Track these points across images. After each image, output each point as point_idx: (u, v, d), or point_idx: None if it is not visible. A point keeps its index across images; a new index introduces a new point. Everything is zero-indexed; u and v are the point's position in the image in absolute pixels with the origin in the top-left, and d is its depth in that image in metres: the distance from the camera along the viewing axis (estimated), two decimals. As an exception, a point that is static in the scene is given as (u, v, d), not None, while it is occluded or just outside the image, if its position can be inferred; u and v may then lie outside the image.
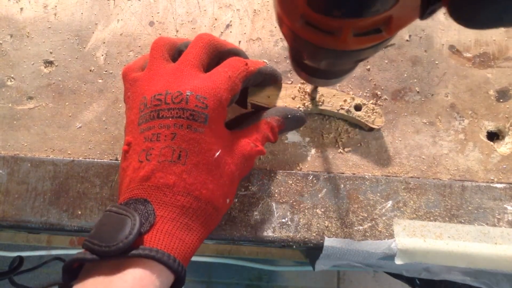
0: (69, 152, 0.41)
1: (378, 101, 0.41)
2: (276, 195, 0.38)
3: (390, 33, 0.19)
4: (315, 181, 0.39)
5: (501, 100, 0.41)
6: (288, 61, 0.42)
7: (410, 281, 0.59)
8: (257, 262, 0.89)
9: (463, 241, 0.37)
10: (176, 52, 0.36)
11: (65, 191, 0.39)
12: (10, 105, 0.43)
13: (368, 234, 0.37)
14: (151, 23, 0.44)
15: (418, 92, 0.41)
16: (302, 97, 0.39)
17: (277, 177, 0.39)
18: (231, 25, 0.44)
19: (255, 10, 0.44)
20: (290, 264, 1.10)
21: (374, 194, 0.38)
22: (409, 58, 0.42)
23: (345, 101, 0.39)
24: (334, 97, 0.39)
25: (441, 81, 0.41)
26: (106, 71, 0.43)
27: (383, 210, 0.38)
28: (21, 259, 0.45)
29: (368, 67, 0.42)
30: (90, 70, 0.43)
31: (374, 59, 0.42)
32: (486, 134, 0.40)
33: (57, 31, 0.44)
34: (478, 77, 0.41)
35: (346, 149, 0.40)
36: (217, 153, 0.32)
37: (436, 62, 0.42)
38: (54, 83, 0.43)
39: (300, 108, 0.39)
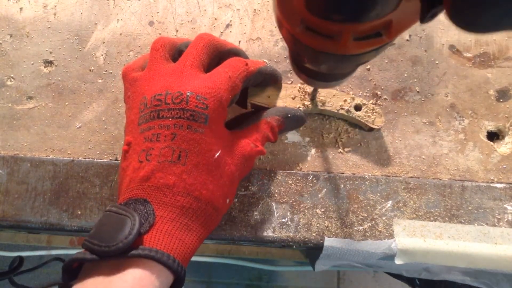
0: (69, 152, 0.41)
1: (378, 101, 0.41)
2: (276, 195, 0.38)
3: (391, 37, 0.19)
4: (315, 181, 0.39)
5: (501, 100, 0.41)
6: (288, 61, 0.42)
7: (410, 281, 0.59)
8: (257, 262, 0.89)
9: (463, 241, 0.37)
10: (176, 52, 0.35)
11: (65, 191, 0.39)
12: (9, 105, 0.43)
13: (368, 234, 0.37)
14: (151, 23, 0.44)
15: (418, 92, 0.41)
16: (302, 97, 0.39)
17: (277, 177, 0.39)
18: (231, 25, 0.44)
19: (255, 9, 0.44)
20: (290, 264, 1.10)
21: (374, 194, 0.38)
22: (409, 58, 0.42)
23: (345, 101, 0.39)
24: (334, 97, 0.39)
25: (441, 81, 0.41)
26: (105, 71, 0.43)
27: (383, 210, 0.38)
28: (21, 259, 0.45)
29: (368, 67, 0.42)
30: (90, 70, 0.43)
31: (374, 59, 0.42)
32: (486, 134, 0.40)
33: (57, 31, 0.44)
34: (478, 77, 0.41)
35: (346, 149, 0.40)
36: (217, 154, 0.31)
37: (436, 62, 0.42)
38: (53, 83, 0.43)
39: (300, 108, 0.39)
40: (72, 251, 0.79)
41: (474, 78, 0.41)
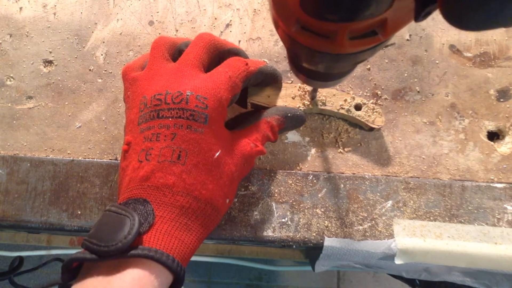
0: (68, 151, 0.41)
1: (378, 101, 0.41)
2: (276, 195, 0.38)
3: (386, 35, 0.19)
4: (315, 181, 0.39)
5: (502, 100, 0.41)
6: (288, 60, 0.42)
7: (410, 282, 0.59)
8: (257, 262, 0.89)
9: (463, 241, 0.37)
10: (176, 51, 0.35)
11: (65, 191, 0.39)
12: (9, 104, 0.43)
13: (368, 234, 0.37)
14: (151, 23, 0.44)
15: (418, 91, 0.41)
16: (302, 96, 0.39)
17: (277, 177, 0.39)
18: (231, 24, 0.44)
19: (255, 9, 0.44)
20: (290, 264, 1.10)
21: (374, 194, 0.38)
22: (409, 58, 0.42)
23: (345, 100, 0.39)
24: (334, 97, 0.39)
25: (441, 81, 0.41)
26: (105, 70, 0.43)
27: (383, 210, 0.38)
28: (21, 259, 0.45)
29: (368, 66, 0.42)
30: (90, 70, 0.43)
31: (374, 58, 0.42)
32: (486, 133, 0.40)
33: (57, 30, 0.44)
34: (479, 76, 0.41)
35: (346, 149, 0.40)
36: (217, 153, 0.31)
37: (437, 62, 0.42)
38: (53, 82, 0.43)
39: (300, 108, 0.39)
40: (72, 251, 0.79)
41: (474, 78, 0.41)
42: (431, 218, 0.38)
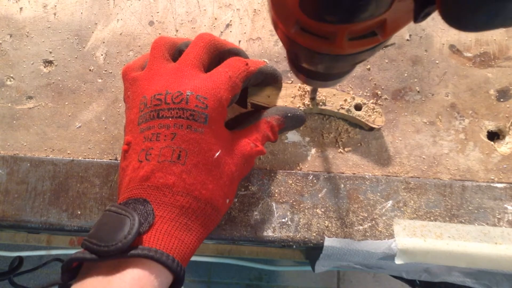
0: (68, 152, 0.41)
1: (379, 101, 0.41)
2: (276, 195, 0.38)
3: (385, 36, 0.19)
4: (315, 181, 0.39)
5: (502, 100, 0.41)
6: (288, 60, 0.42)
7: (410, 282, 0.59)
8: (257, 262, 0.89)
9: (464, 241, 0.37)
10: (176, 51, 0.35)
11: (65, 191, 0.39)
12: (9, 104, 0.43)
13: (368, 234, 0.37)
14: (151, 23, 0.44)
15: (418, 91, 0.41)
16: (302, 96, 0.39)
17: (277, 177, 0.39)
18: (231, 24, 0.44)
19: (255, 9, 0.44)
20: (290, 264, 1.10)
21: (374, 194, 0.38)
22: (409, 58, 0.42)
23: (345, 100, 0.39)
24: (334, 97, 0.39)
25: (441, 81, 0.41)
26: (105, 70, 0.43)
27: (383, 210, 0.38)
28: (20, 259, 0.45)
29: (368, 66, 0.42)
30: (90, 70, 0.43)
31: (374, 58, 0.42)
32: (486, 133, 0.40)
33: (57, 30, 0.44)
34: (479, 76, 0.41)
35: (346, 149, 0.40)
36: (217, 153, 0.31)
37: (437, 62, 0.42)
38: (53, 82, 0.43)
39: (300, 108, 0.39)
40: (72, 251, 0.79)
41: (474, 78, 0.41)
42: (432, 218, 0.38)
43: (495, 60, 0.41)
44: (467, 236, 0.37)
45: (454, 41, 0.42)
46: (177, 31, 0.44)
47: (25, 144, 0.41)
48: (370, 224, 0.37)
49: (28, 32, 0.44)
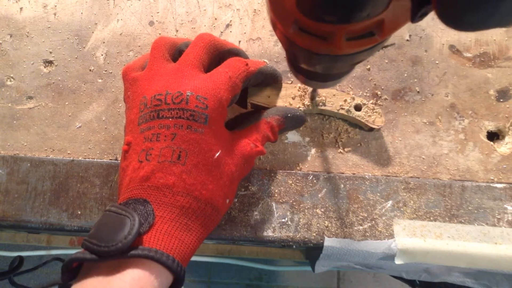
0: (68, 152, 0.41)
1: (378, 101, 0.41)
2: (276, 195, 0.38)
3: (383, 36, 0.19)
4: (315, 181, 0.39)
5: (501, 100, 0.41)
6: (288, 61, 0.42)
7: (410, 282, 0.59)
8: (257, 262, 0.89)
9: (463, 241, 0.37)
10: (176, 52, 0.35)
11: (65, 191, 0.39)
12: (9, 104, 0.43)
13: (368, 234, 0.37)
14: (151, 23, 0.44)
15: (418, 92, 0.41)
16: (302, 97, 0.39)
17: (277, 177, 0.39)
18: (231, 24, 0.44)
19: (255, 9, 0.44)
20: (290, 264, 1.10)
21: (374, 194, 0.38)
22: (409, 58, 0.42)
23: (345, 101, 0.39)
24: (334, 97, 0.39)
25: (441, 81, 0.41)
26: (105, 70, 0.43)
27: (383, 210, 0.38)
28: (21, 259, 0.45)
29: (368, 67, 0.42)
30: (90, 70, 0.43)
31: (374, 59, 0.42)
32: (486, 134, 0.40)
33: (57, 30, 0.44)
34: (478, 77, 0.41)
35: (346, 149, 0.40)
36: (217, 154, 0.31)
37: (436, 62, 0.42)
38: (53, 82, 0.43)
39: (300, 108, 0.39)
40: (72, 251, 0.79)
41: (474, 78, 0.41)
42: (431, 218, 0.38)
43: (495, 60, 0.41)
44: (467, 236, 0.37)
45: (454, 41, 0.42)
46: (177, 31, 0.44)
47: (25, 144, 0.42)
48: (370, 224, 0.37)
49: (28, 32, 0.44)
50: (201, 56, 0.34)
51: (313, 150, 0.40)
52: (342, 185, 0.39)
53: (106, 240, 0.26)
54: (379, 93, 0.41)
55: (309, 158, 0.40)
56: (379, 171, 0.39)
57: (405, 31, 0.43)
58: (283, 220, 0.38)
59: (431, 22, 0.43)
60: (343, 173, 0.39)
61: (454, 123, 0.40)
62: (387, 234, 0.37)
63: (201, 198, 0.30)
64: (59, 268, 0.27)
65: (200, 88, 0.31)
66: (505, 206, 0.38)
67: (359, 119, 0.38)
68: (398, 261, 0.36)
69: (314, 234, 0.37)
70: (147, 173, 0.30)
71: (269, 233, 0.37)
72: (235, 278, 1.22)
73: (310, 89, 0.39)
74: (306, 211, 0.38)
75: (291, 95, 0.39)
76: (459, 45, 0.42)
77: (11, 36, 0.44)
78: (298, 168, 0.40)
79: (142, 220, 0.28)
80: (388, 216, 0.38)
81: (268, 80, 0.38)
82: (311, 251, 0.54)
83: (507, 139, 0.40)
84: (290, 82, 0.41)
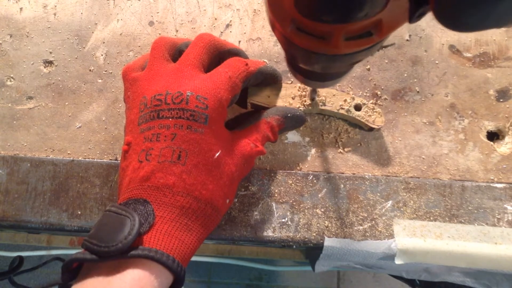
0: (68, 152, 0.41)
1: (378, 101, 0.41)
2: (276, 195, 0.38)
3: (381, 36, 0.19)
4: (315, 181, 0.39)
5: (501, 100, 0.41)
6: (288, 61, 0.42)
7: (410, 282, 0.59)
8: (257, 262, 0.89)
9: (463, 241, 0.37)
10: (176, 52, 0.35)
11: (65, 191, 0.39)
12: (9, 105, 0.43)
13: (368, 234, 0.37)
14: (151, 23, 0.44)
15: (418, 92, 0.41)
16: (302, 97, 0.39)
17: (277, 177, 0.39)
18: (231, 25, 0.44)
19: (255, 9, 0.44)
20: (290, 264, 1.10)
21: (374, 194, 0.38)
22: (409, 58, 0.42)
23: (345, 101, 0.39)
24: (334, 97, 0.39)
25: (441, 81, 0.41)
26: (105, 71, 0.43)
27: (383, 210, 0.38)
28: (21, 259, 0.45)
29: (368, 67, 0.42)
30: (90, 70, 0.43)
31: (374, 59, 0.42)
32: (486, 134, 0.40)
33: (57, 31, 0.44)
34: (478, 77, 0.41)
35: (346, 149, 0.40)
36: (217, 154, 0.31)
37: (436, 62, 0.42)
38: (53, 83, 0.43)
39: (300, 108, 0.39)
40: (72, 251, 0.79)
41: (474, 78, 0.41)
42: (431, 218, 0.38)
43: (494, 60, 0.41)
44: (467, 236, 0.37)
45: (453, 42, 0.42)
46: (177, 31, 0.44)
47: (25, 144, 0.42)
48: (370, 224, 0.37)
49: (28, 32, 0.44)
50: (201, 56, 0.34)
51: (313, 150, 0.40)
52: (342, 185, 0.39)
53: (106, 240, 0.26)
54: (379, 93, 0.41)
55: (309, 158, 0.40)
56: (379, 171, 0.39)
57: (405, 31, 0.43)
58: (283, 220, 0.38)
59: (431, 22, 0.43)
60: (343, 173, 0.39)
61: (454, 123, 0.40)
62: (387, 234, 0.37)
63: (201, 198, 0.30)
64: (59, 268, 0.27)
65: (200, 88, 0.31)
66: (505, 206, 0.38)
67: (359, 119, 0.38)
68: (398, 261, 0.36)
69: (314, 234, 0.37)
70: (147, 173, 0.30)
71: (269, 233, 0.37)
72: (235, 278, 1.22)
73: (309, 89, 0.39)
74: (306, 211, 0.38)
75: (291, 95, 0.39)
76: (459, 45, 0.42)
77: (11, 36, 0.44)
78: (298, 168, 0.40)
79: (142, 220, 0.28)
80: (388, 216, 0.38)
81: (268, 80, 0.38)
82: (311, 251, 0.54)
83: (507, 139, 0.40)
84: (290, 82, 0.41)
